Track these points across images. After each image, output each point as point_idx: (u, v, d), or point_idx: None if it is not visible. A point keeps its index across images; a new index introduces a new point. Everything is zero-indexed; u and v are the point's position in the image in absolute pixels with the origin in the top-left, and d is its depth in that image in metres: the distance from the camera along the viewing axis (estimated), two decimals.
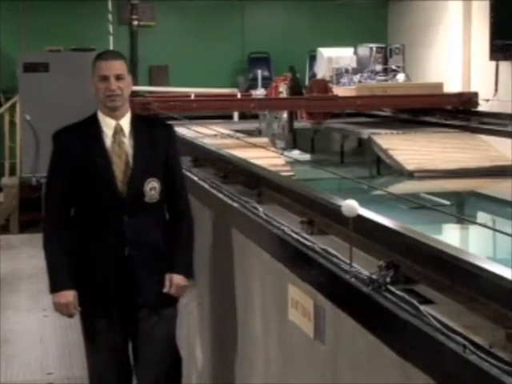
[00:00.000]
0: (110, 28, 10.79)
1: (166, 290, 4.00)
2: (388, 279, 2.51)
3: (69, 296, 3.92)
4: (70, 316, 4.02)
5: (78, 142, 3.93)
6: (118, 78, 3.86)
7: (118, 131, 3.92)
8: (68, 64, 10.45)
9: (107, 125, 3.93)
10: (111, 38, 10.73)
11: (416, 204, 3.94)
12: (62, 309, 3.97)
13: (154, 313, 4.01)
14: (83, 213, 3.96)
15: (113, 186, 3.87)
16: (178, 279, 4.03)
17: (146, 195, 3.91)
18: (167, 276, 4.02)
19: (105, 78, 3.85)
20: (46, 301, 7.74)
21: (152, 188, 3.91)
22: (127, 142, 3.92)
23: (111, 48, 10.57)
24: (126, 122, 3.95)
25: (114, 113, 3.92)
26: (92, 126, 3.95)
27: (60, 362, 6.13)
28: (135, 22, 13.17)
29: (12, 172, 11.92)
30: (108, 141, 3.92)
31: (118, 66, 3.89)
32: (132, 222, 3.90)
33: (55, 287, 3.98)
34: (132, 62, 13.15)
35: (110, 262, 3.92)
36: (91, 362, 4.13)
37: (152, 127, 4.06)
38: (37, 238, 11.07)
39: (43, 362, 6.23)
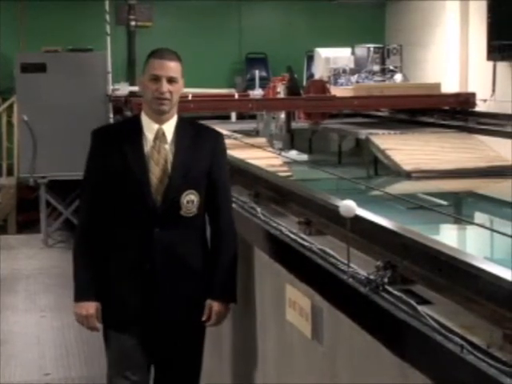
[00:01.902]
0: (108, 28, 10.76)
1: (205, 318, 3.66)
2: (385, 279, 2.51)
3: (90, 308, 3.63)
4: (92, 329, 3.71)
5: (116, 142, 3.60)
6: (171, 80, 3.53)
7: (159, 136, 3.59)
8: (65, 64, 10.44)
9: (149, 128, 3.60)
10: (108, 39, 10.70)
11: (413, 204, 3.95)
12: (82, 320, 3.67)
13: (183, 342, 3.70)
14: (114, 220, 3.62)
15: (146, 195, 3.54)
16: (219, 307, 3.66)
17: (183, 208, 3.56)
18: (207, 303, 3.65)
19: (156, 79, 3.52)
20: (43, 301, 7.77)
21: (189, 201, 3.57)
22: (168, 148, 3.58)
23: (108, 48, 10.56)
24: (169, 127, 3.61)
25: (159, 116, 3.59)
26: (133, 127, 3.63)
27: (57, 363, 6.12)
28: (132, 23, 13.15)
29: (9, 172, 11.91)
30: (147, 145, 3.58)
31: (173, 68, 3.55)
32: (163, 235, 3.54)
33: (77, 297, 3.69)
34: (129, 63, 13.16)
35: (134, 275, 3.59)
36: (111, 376, 3.74)
37: (198, 134, 3.70)
38: (34, 239, 11.11)
39: (40, 362, 6.22)
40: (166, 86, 3.51)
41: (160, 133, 3.59)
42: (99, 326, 3.68)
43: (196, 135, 3.67)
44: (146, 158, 3.56)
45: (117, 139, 3.62)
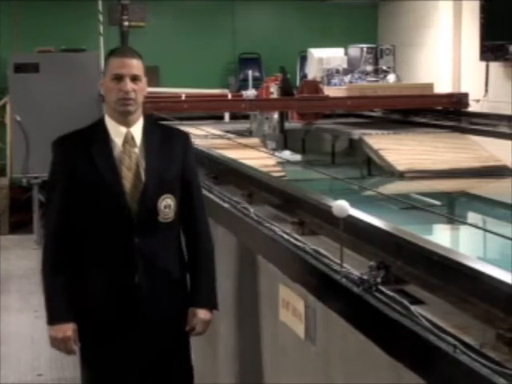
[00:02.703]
0: (101, 28, 10.76)
1: (189, 327, 3.47)
2: (379, 279, 2.51)
3: (67, 330, 3.36)
4: (69, 353, 3.46)
5: (82, 151, 3.36)
6: (134, 79, 3.33)
7: (128, 140, 3.37)
8: (58, 65, 10.42)
9: (117, 132, 3.38)
10: (101, 39, 10.70)
11: (407, 204, 3.95)
12: (59, 344, 3.41)
13: (170, 354, 3.47)
14: (88, 233, 3.38)
15: (121, 203, 3.32)
16: (202, 314, 3.47)
17: (160, 213, 3.36)
18: (190, 311, 3.47)
19: (119, 78, 3.31)
20: (36, 302, 7.74)
21: (167, 206, 3.37)
22: (138, 152, 3.38)
23: (101, 49, 10.54)
24: (137, 130, 3.40)
25: (124, 119, 3.37)
26: (98, 133, 3.40)
27: (51, 364, 6.10)
28: (125, 23, 13.09)
29: (2, 173, 11.88)
30: (117, 151, 3.36)
31: (136, 66, 3.35)
32: (143, 245, 3.33)
33: (52, 319, 3.40)
34: None
35: (117, 290, 3.35)
36: None
37: (167, 136, 3.49)
38: (27, 239, 11.07)
39: (34, 363, 6.21)
40: (129, 85, 3.31)
41: (129, 136, 3.37)
42: (61, 360, 3.51)
43: (165, 136, 3.48)
44: (116, 164, 3.34)
45: (82, 147, 3.37)
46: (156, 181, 3.36)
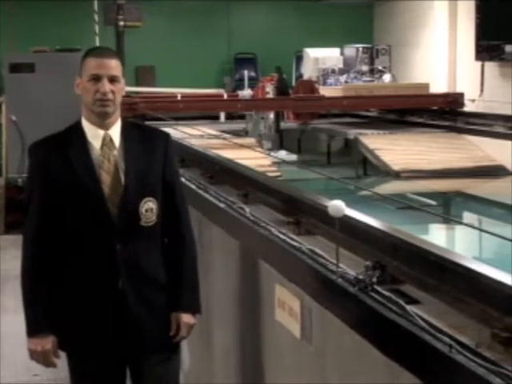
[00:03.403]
0: (96, 28, 10.77)
1: (173, 332, 3.37)
2: (374, 279, 2.51)
3: (46, 343, 3.28)
4: (49, 366, 3.38)
5: (59, 156, 3.26)
6: (112, 80, 3.23)
7: (106, 142, 3.27)
8: (54, 64, 10.42)
9: (94, 135, 3.28)
10: (97, 39, 10.71)
11: (402, 204, 3.95)
12: (38, 357, 3.33)
13: (157, 359, 3.39)
14: (68, 240, 3.28)
15: (101, 208, 3.22)
16: (186, 318, 3.39)
17: (142, 218, 3.26)
18: (173, 316, 3.38)
19: (96, 79, 3.21)
20: None
21: (148, 209, 3.27)
22: (117, 154, 3.27)
23: None
24: (116, 132, 3.30)
25: (102, 121, 3.27)
26: (75, 136, 3.31)
27: None
28: (121, 23, 13.08)
29: None
30: (95, 154, 3.26)
31: (114, 66, 3.25)
32: (126, 250, 3.24)
33: (30, 332, 3.30)
34: None
35: (101, 298, 3.26)
36: None
37: (146, 137, 3.39)
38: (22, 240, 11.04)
39: (29, 363, 6.17)
40: (107, 86, 3.20)
41: (107, 139, 3.27)
42: (57, 361, 3.37)
43: (144, 138, 3.38)
44: (95, 168, 3.23)
45: (59, 151, 3.27)
46: (136, 184, 3.26)
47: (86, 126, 3.31)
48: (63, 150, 3.28)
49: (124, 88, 3.34)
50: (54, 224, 3.26)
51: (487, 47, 9.97)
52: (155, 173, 3.33)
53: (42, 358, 3.33)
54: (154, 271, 3.35)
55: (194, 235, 3.51)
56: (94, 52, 3.31)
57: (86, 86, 3.24)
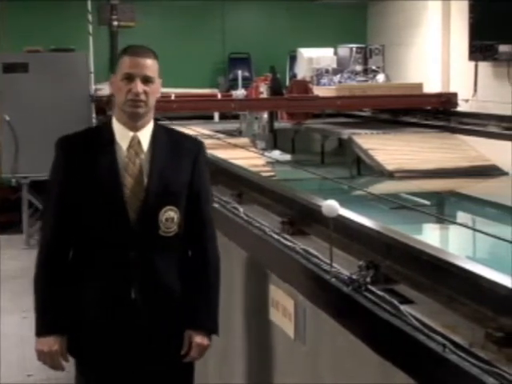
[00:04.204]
0: (90, 28, 10.74)
1: (184, 351, 3.20)
2: (368, 279, 2.52)
3: (53, 344, 3.16)
4: (56, 368, 3.25)
5: (86, 153, 3.15)
6: (146, 80, 3.10)
7: (133, 144, 3.14)
8: (47, 64, 10.39)
9: (123, 136, 3.15)
10: (91, 39, 10.69)
11: (396, 204, 3.96)
12: (44, 358, 3.21)
13: (168, 377, 3.24)
14: (83, 241, 3.16)
15: (119, 211, 3.09)
16: (199, 338, 3.19)
17: (161, 227, 3.11)
18: (186, 333, 3.20)
19: (129, 78, 3.08)
20: (25, 302, 7.70)
21: (169, 218, 3.11)
22: (144, 158, 3.14)
23: (91, 48, 10.53)
24: (145, 135, 3.17)
25: (133, 122, 3.15)
26: (104, 135, 3.18)
27: (40, 364, 5.99)
28: (115, 23, 13.09)
29: None
30: (121, 156, 3.13)
31: (149, 66, 3.11)
32: (141, 259, 3.09)
33: (39, 331, 3.20)
34: (112, 63, 13.11)
35: (111, 304, 3.12)
36: None
37: (177, 143, 3.24)
38: (16, 239, 11.03)
39: (23, 363, 6.20)
40: (140, 87, 3.07)
41: (135, 141, 3.15)
42: (65, 364, 3.24)
43: (175, 144, 3.23)
44: (119, 171, 3.10)
45: (86, 149, 3.16)
46: (159, 190, 3.12)
47: (116, 126, 3.19)
48: (89, 147, 3.17)
49: (159, 89, 3.21)
50: (71, 224, 3.15)
51: (481, 47, 9.98)
52: (181, 181, 3.18)
53: (49, 359, 3.21)
54: (171, 284, 3.17)
55: (218, 251, 3.30)
56: (129, 50, 3.17)
57: (119, 85, 3.12)
